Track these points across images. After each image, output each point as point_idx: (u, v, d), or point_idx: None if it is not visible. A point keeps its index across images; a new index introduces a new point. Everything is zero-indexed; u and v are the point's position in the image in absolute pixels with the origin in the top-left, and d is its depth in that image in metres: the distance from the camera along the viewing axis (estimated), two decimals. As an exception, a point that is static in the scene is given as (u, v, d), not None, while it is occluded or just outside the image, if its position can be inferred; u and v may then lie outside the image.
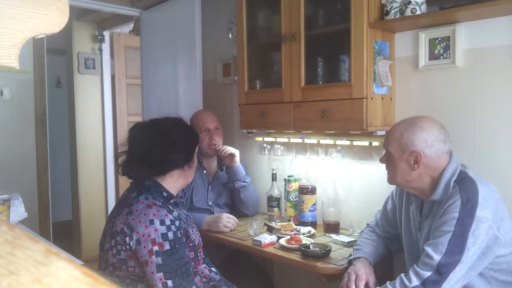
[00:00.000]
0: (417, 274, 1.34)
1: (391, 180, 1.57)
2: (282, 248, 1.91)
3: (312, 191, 2.20)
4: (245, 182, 2.39)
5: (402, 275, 1.40)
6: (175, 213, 1.58)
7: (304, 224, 2.18)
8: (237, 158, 2.38)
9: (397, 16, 1.81)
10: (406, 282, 1.36)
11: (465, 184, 1.41)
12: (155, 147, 1.61)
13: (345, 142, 2.16)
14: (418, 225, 1.56)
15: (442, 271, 1.31)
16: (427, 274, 1.33)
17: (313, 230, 2.12)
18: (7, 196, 1.96)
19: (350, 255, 1.71)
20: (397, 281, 1.38)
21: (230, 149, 2.37)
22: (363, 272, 1.55)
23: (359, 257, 1.64)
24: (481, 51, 1.74)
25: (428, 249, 1.36)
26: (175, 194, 1.67)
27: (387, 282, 1.42)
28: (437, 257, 1.33)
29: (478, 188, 1.38)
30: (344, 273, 1.61)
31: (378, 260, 1.70)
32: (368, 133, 1.93)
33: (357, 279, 1.54)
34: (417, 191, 1.54)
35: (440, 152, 1.45)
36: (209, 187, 2.42)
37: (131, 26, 3.76)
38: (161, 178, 1.63)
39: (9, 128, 3.36)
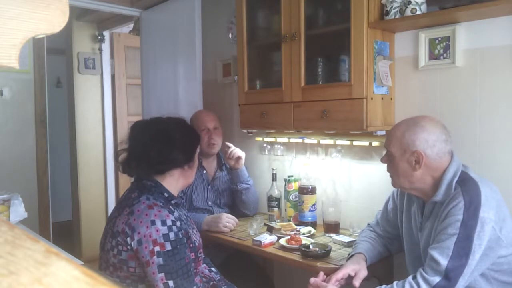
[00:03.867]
0: (426, 280, 1.33)
1: (395, 184, 1.57)
2: (282, 248, 1.91)
3: (312, 191, 2.20)
4: (248, 184, 2.39)
5: (410, 278, 1.38)
6: (176, 214, 1.58)
7: (304, 224, 2.18)
8: (243, 161, 2.38)
9: (397, 16, 1.81)
10: None
11: (467, 185, 1.40)
12: (154, 145, 1.60)
13: (345, 142, 2.16)
14: (419, 226, 1.56)
15: (450, 276, 1.31)
16: (436, 280, 1.32)
17: (313, 230, 2.12)
18: (7, 196, 1.96)
19: (349, 254, 1.71)
20: (407, 286, 1.36)
21: (238, 152, 2.37)
22: (344, 266, 1.58)
23: (353, 254, 1.66)
24: (481, 51, 1.74)
25: (434, 253, 1.35)
26: (175, 195, 1.67)
27: (394, 283, 1.41)
28: (444, 262, 1.32)
29: (480, 189, 1.38)
30: None
31: (376, 257, 1.70)
32: (368, 133, 1.93)
33: (333, 274, 1.55)
34: (418, 192, 1.54)
35: (441, 152, 1.45)
36: (209, 187, 2.42)
37: (131, 26, 3.76)
38: (161, 177, 1.63)
39: (9, 128, 3.36)
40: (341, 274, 1.55)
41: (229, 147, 2.39)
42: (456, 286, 1.31)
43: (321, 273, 1.59)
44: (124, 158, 1.65)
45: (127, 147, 1.65)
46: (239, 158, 2.36)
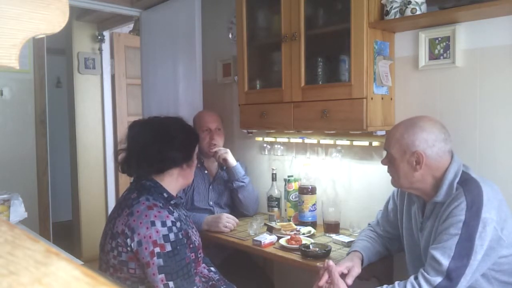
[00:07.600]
0: (427, 281, 1.33)
1: (395, 183, 1.56)
2: (282, 248, 1.91)
3: (312, 191, 2.20)
4: (243, 182, 2.39)
5: (412, 279, 1.37)
6: (176, 214, 1.58)
7: (304, 224, 2.18)
8: (230, 159, 2.37)
9: (397, 16, 1.81)
10: None
11: (468, 185, 1.40)
12: (154, 143, 1.60)
13: (345, 142, 2.16)
14: (420, 226, 1.56)
15: (452, 276, 1.31)
16: (437, 280, 1.32)
17: (313, 230, 2.12)
18: (7, 196, 1.96)
19: (347, 253, 1.71)
20: (409, 286, 1.36)
21: (222, 153, 2.37)
22: (337, 264, 1.57)
23: (350, 252, 1.66)
24: (481, 51, 1.74)
25: (436, 253, 1.35)
26: (174, 195, 1.67)
27: (396, 283, 1.40)
28: (445, 262, 1.32)
29: (482, 189, 1.37)
30: None
31: (375, 257, 1.69)
32: (368, 133, 1.93)
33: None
34: (419, 192, 1.53)
35: (441, 151, 1.45)
36: (210, 187, 2.42)
37: (131, 26, 3.76)
38: (160, 177, 1.63)
39: (9, 128, 3.36)
40: (333, 269, 1.54)
41: (216, 152, 2.39)
42: (457, 286, 1.31)
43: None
44: (123, 158, 1.65)
45: (125, 146, 1.65)
46: (224, 159, 2.37)
